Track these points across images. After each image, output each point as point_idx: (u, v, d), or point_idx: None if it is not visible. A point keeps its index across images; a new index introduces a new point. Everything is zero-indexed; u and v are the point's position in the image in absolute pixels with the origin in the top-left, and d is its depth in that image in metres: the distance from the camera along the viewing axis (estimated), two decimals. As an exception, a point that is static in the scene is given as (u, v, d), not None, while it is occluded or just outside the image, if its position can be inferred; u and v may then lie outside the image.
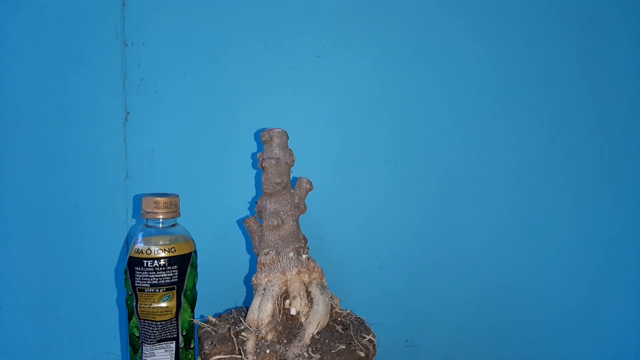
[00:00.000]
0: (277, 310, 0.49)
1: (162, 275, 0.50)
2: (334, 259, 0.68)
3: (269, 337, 0.48)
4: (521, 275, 0.73)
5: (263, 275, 0.51)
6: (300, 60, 0.68)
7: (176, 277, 0.51)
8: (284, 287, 0.51)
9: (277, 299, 0.50)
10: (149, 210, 0.52)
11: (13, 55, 0.62)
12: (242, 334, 0.48)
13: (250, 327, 0.49)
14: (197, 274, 0.54)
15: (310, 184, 0.56)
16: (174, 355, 0.52)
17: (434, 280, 0.71)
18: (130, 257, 0.51)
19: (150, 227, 0.52)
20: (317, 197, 0.60)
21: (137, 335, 0.52)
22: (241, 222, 0.67)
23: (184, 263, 0.52)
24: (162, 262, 0.50)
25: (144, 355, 0.51)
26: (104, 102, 0.64)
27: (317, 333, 0.48)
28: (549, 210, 0.73)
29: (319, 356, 0.45)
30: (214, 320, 0.53)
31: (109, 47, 0.64)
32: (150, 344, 0.51)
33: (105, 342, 0.66)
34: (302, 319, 0.50)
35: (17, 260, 0.64)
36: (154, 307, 0.50)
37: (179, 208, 0.54)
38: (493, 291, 0.73)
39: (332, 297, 0.53)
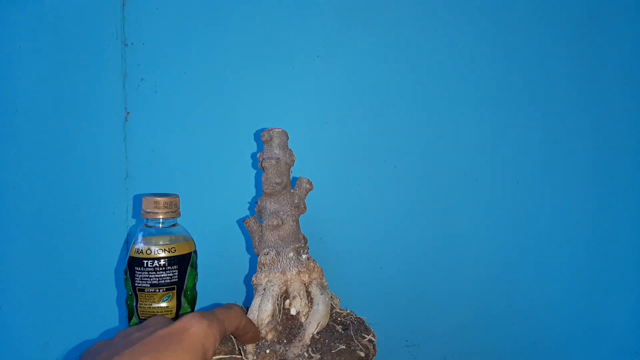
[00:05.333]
0: (277, 310, 0.49)
1: (162, 275, 0.50)
2: (334, 259, 0.68)
3: (269, 337, 0.48)
4: (521, 275, 0.73)
5: (263, 275, 0.51)
6: (300, 60, 0.68)
7: (176, 277, 0.51)
8: (284, 287, 0.51)
9: (277, 299, 0.50)
10: (149, 210, 0.52)
11: (13, 55, 0.62)
12: (242, 334, 0.48)
13: (250, 327, 0.49)
14: (197, 274, 0.54)
15: (310, 184, 0.56)
16: (174, 355, 0.52)
17: (434, 280, 0.71)
18: (130, 257, 0.51)
19: (150, 227, 0.52)
20: (317, 197, 0.60)
21: (137, 335, 0.52)
22: (241, 222, 0.67)
23: (184, 263, 0.52)
24: (162, 262, 0.50)
25: (144, 355, 0.51)
26: (104, 102, 0.64)
27: (317, 333, 0.48)
28: (548, 211, 0.73)
29: (319, 356, 0.45)
30: (214, 320, 0.53)
31: (109, 47, 0.64)
32: (150, 344, 0.51)
33: (105, 342, 0.66)
34: (302, 319, 0.50)
35: (17, 260, 0.64)
36: (154, 307, 0.50)
37: (179, 208, 0.54)
38: (493, 291, 0.72)
39: (332, 297, 0.53)
